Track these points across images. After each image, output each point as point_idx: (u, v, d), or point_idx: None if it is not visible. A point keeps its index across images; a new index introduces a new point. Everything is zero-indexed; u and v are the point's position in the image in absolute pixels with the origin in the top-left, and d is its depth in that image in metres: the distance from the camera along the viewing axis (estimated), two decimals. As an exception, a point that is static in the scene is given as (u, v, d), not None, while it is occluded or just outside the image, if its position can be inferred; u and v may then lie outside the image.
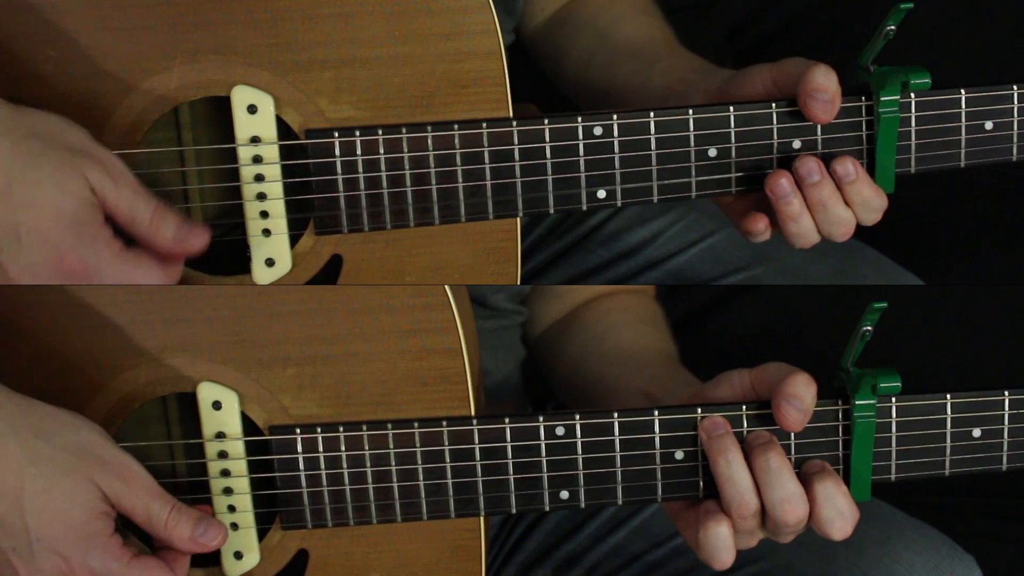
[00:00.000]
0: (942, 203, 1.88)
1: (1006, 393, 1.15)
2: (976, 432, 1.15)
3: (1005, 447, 1.16)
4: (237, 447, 1.14)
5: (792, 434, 1.14)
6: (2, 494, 1.05)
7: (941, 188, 1.86)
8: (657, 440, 1.15)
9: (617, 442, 1.14)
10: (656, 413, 1.14)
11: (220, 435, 1.14)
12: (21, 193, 1.06)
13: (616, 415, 1.14)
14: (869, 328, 1.11)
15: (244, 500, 1.15)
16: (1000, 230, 1.90)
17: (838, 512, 1.12)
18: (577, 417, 1.14)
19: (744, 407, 1.14)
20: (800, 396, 1.12)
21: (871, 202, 1.19)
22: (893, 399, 1.15)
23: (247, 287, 1.17)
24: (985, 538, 1.68)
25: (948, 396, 1.15)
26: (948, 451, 1.16)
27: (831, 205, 1.18)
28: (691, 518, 1.16)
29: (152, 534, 1.10)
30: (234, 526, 1.15)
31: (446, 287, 1.13)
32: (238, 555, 1.16)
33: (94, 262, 1.08)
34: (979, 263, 1.89)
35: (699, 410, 1.14)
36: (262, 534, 1.16)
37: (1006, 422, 1.15)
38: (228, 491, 1.15)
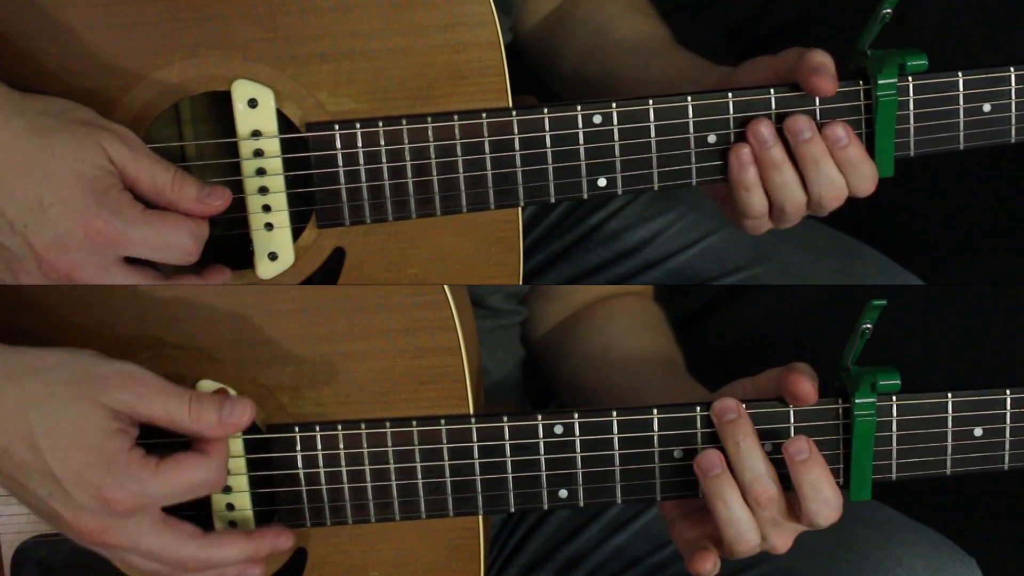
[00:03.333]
0: (942, 203, 1.88)
1: (1007, 392, 1.15)
2: (977, 431, 1.15)
3: (1007, 446, 1.16)
4: (238, 445, 1.14)
5: (792, 428, 1.14)
6: (17, 441, 1.05)
7: (942, 188, 1.87)
8: (656, 439, 1.14)
9: (616, 441, 1.14)
10: (655, 412, 1.14)
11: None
12: (41, 167, 1.07)
13: (615, 414, 1.14)
14: (869, 326, 1.11)
15: (243, 499, 1.15)
16: (1000, 230, 1.90)
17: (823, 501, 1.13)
18: (576, 416, 1.14)
19: (744, 406, 1.14)
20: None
21: (862, 167, 1.18)
22: (894, 398, 1.14)
23: (247, 287, 1.17)
24: (986, 539, 1.67)
25: (949, 395, 1.15)
26: (949, 450, 1.15)
27: (823, 163, 1.18)
28: (690, 523, 1.17)
29: (173, 427, 1.08)
30: (232, 525, 1.15)
31: (444, 286, 1.13)
32: (236, 554, 1.16)
33: (120, 224, 1.08)
34: (979, 263, 1.89)
35: (698, 408, 1.14)
36: (260, 533, 1.16)
37: (1007, 421, 1.15)
38: (227, 490, 1.14)
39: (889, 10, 1.14)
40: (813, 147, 1.18)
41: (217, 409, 1.08)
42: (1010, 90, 1.20)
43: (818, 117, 1.19)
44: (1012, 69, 1.20)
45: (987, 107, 1.21)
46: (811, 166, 1.18)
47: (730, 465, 1.13)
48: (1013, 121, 1.21)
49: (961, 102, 1.20)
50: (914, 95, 1.19)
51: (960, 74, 1.20)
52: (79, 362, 1.07)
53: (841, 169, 1.18)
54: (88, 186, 1.07)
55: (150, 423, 1.08)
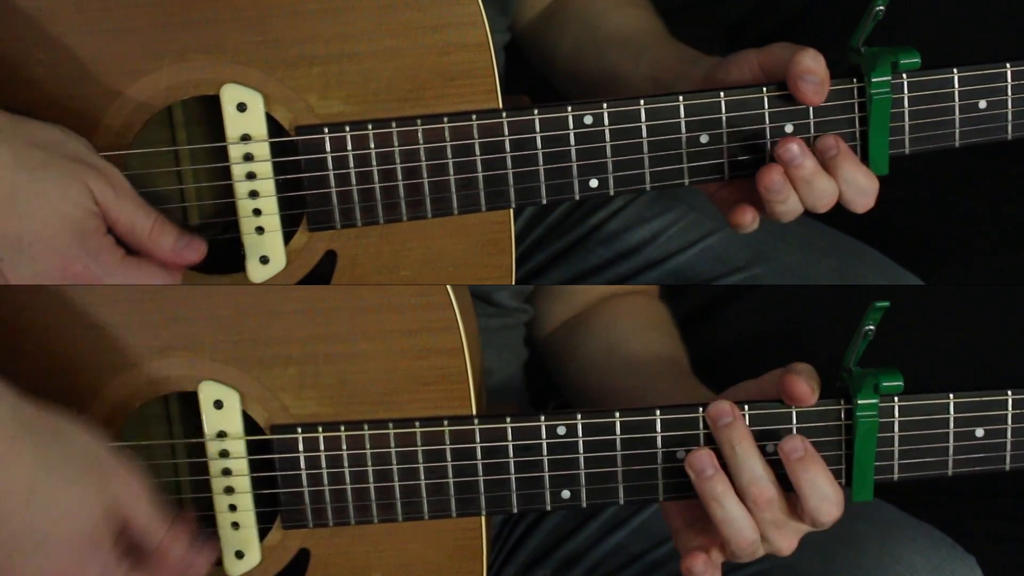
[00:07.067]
0: (942, 203, 1.88)
1: (1009, 393, 1.15)
2: (979, 432, 1.15)
3: (1008, 447, 1.16)
4: (238, 446, 1.14)
5: (794, 429, 1.14)
6: (10, 493, 1.05)
7: (942, 188, 1.87)
8: (659, 439, 1.15)
9: (618, 441, 1.14)
10: (658, 413, 1.14)
11: (222, 434, 1.14)
12: (25, 203, 1.07)
13: (618, 415, 1.14)
14: (871, 328, 1.11)
15: (245, 499, 1.15)
16: (1000, 230, 1.90)
17: (823, 497, 1.13)
18: (579, 416, 1.14)
19: (746, 407, 1.14)
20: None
21: (858, 181, 1.18)
22: (896, 399, 1.15)
23: (249, 286, 1.17)
24: (986, 538, 1.67)
25: (951, 396, 1.15)
26: (951, 451, 1.16)
27: (815, 181, 1.18)
28: (694, 531, 1.17)
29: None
30: (235, 525, 1.15)
31: (448, 286, 1.13)
32: (239, 554, 1.16)
33: (98, 271, 1.09)
34: (979, 263, 1.90)
35: (700, 409, 1.14)
36: (263, 533, 1.16)
37: (1009, 422, 1.15)
38: (229, 490, 1.15)
39: (882, 7, 1.14)
40: (805, 168, 1.17)
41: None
42: (1006, 86, 1.20)
43: (811, 116, 1.19)
44: (1008, 65, 1.20)
45: (983, 104, 1.20)
46: (802, 184, 1.18)
47: (727, 468, 1.13)
48: (1010, 117, 1.21)
49: (956, 99, 1.20)
50: (908, 92, 1.19)
51: (955, 70, 1.20)
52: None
53: (835, 178, 1.18)
54: (71, 227, 1.08)
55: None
